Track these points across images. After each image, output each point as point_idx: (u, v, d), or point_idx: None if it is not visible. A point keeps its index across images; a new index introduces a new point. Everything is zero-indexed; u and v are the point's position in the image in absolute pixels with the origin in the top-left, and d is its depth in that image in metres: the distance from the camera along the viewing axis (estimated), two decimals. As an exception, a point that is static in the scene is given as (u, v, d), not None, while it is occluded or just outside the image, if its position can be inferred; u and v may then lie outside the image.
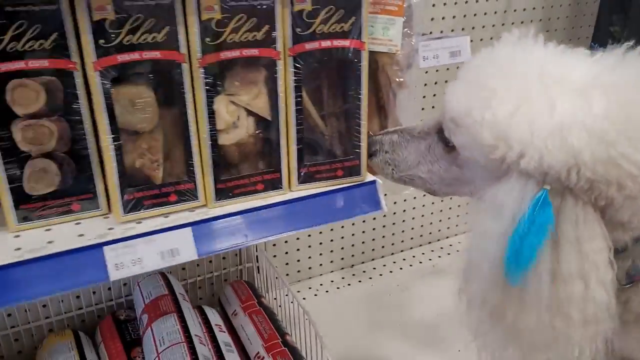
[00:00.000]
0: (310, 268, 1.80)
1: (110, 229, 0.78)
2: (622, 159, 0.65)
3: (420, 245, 1.99)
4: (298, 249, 1.76)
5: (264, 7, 0.75)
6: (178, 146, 0.81)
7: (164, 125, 0.79)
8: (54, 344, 1.30)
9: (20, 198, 0.76)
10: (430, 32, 1.58)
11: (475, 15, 1.70)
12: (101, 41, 0.70)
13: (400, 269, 1.87)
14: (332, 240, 1.80)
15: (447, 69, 1.71)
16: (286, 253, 1.74)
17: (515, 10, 1.77)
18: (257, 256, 1.63)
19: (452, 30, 1.66)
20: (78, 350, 1.29)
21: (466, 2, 1.67)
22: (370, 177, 0.92)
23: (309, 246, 1.77)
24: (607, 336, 0.70)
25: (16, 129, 0.73)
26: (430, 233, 1.99)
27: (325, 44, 0.80)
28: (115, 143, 0.75)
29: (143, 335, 1.26)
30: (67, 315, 1.42)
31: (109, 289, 1.45)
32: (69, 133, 0.76)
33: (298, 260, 1.77)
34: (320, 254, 1.80)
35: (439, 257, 1.94)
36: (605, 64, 0.72)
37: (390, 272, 1.85)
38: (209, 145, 0.80)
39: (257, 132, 0.83)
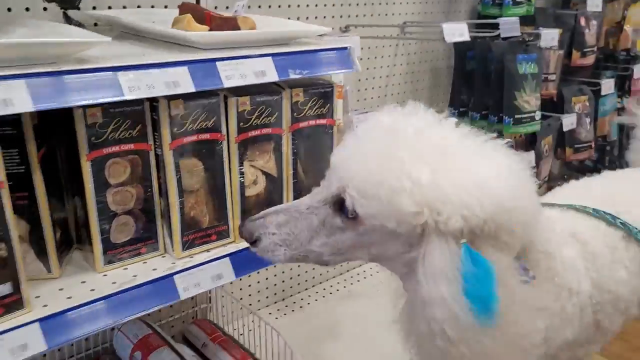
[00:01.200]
0: (250, 304, 2.09)
1: (173, 263, 1.06)
2: (521, 209, 0.77)
3: (334, 277, 2.37)
4: (241, 289, 2.04)
5: (276, 99, 1.11)
6: (213, 199, 1.11)
7: (205, 184, 1.10)
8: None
9: (107, 246, 1.01)
10: (359, 109, 2.04)
11: (386, 95, 2.22)
12: (175, 129, 1.01)
13: (323, 297, 2.23)
14: (267, 279, 2.12)
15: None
16: (232, 292, 2.01)
17: (393, 85, 2.30)
18: (209, 297, 1.89)
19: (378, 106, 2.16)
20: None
21: (380, 86, 2.16)
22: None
23: (249, 285, 2.07)
24: None
25: (109, 194, 0.99)
26: (341, 265, 2.39)
27: (312, 122, 1.18)
28: (180, 199, 1.04)
29: (140, 369, 1.47)
30: (50, 367, 1.56)
31: (87, 339, 1.62)
32: (143, 195, 1.04)
33: (241, 298, 2.05)
34: (258, 291, 2.10)
35: (351, 284, 2.34)
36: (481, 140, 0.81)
37: (316, 300, 2.20)
38: (239, 197, 1.12)
39: (268, 185, 1.16)
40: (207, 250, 1.11)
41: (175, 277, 1.03)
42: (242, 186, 1.12)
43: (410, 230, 0.75)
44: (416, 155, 0.74)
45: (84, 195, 0.98)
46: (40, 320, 0.88)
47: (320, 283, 2.32)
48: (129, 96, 0.86)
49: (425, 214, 0.72)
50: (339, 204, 0.81)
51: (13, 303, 0.87)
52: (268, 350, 1.64)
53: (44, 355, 1.53)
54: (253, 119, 1.10)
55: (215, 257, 1.09)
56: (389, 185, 0.73)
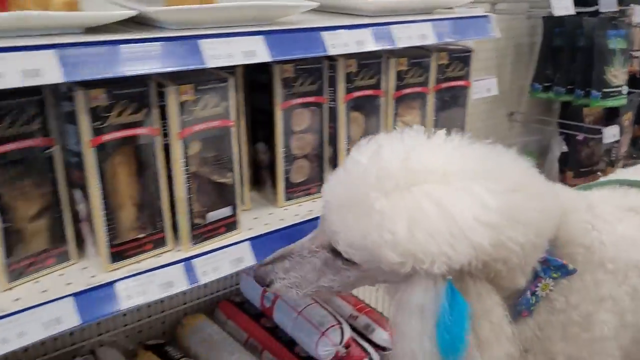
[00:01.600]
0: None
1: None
2: (509, 241, 0.78)
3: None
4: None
5: (426, 61, 1.26)
6: (367, 150, 1.27)
7: (364, 134, 1.25)
8: (194, 323, 1.65)
9: (287, 185, 1.18)
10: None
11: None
12: (348, 85, 1.16)
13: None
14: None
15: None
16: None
17: (480, 60, 2.42)
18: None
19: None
20: (217, 324, 1.65)
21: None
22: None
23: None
24: None
25: (292, 139, 1.16)
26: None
27: (452, 83, 1.32)
28: (347, 147, 1.20)
29: (273, 306, 1.65)
30: (184, 306, 1.76)
31: (218, 281, 1.81)
32: (316, 142, 1.20)
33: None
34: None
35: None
36: (473, 155, 0.82)
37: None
38: (391, 148, 1.27)
39: (412, 139, 1.32)
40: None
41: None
42: (395, 138, 1.27)
43: (402, 272, 0.78)
44: (393, 206, 0.76)
45: (271, 140, 1.15)
46: (250, 239, 1.05)
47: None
48: (331, 52, 1.02)
49: (409, 263, 0.76)
50: (336, 250, 0.86)
51: (231, 224, 1.05)
52: (378, 299, 1.81)
53: (185, 293, 1.72)
54: (407, 78, 1.25)
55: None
56: (371, 239, 0.77)
